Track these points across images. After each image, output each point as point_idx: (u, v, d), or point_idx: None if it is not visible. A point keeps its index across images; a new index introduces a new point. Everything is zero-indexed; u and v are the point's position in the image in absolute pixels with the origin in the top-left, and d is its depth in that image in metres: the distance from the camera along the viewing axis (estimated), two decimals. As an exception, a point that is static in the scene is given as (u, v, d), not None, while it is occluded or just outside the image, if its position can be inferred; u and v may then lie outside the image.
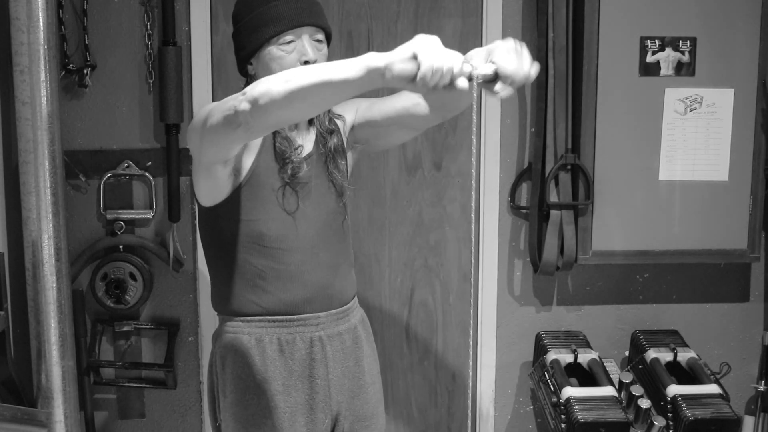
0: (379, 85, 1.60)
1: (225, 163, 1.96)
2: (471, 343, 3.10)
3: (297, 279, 2.04)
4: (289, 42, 1.97)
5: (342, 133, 2.15)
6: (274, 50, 1.97)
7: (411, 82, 1.55)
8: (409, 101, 2.09)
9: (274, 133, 2.02)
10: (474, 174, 1.51)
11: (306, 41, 1.98)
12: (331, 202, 2.10)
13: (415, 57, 1.54)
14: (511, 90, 1.63)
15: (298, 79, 1.67)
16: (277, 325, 2.04)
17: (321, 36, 2.02)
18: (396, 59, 1.56)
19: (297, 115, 1.80)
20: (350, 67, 1.61)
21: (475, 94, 1.63)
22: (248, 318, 2.05)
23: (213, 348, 2.13)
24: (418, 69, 1.54)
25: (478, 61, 1.62)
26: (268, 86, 1.70)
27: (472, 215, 1.51)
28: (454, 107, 2.07)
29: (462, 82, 1.56)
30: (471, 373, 3.09)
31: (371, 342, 2.22)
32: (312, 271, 2.05)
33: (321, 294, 2.07)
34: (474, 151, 1.54)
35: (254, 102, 1.72)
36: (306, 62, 1.95)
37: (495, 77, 1.63)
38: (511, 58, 1.62)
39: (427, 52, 1.54)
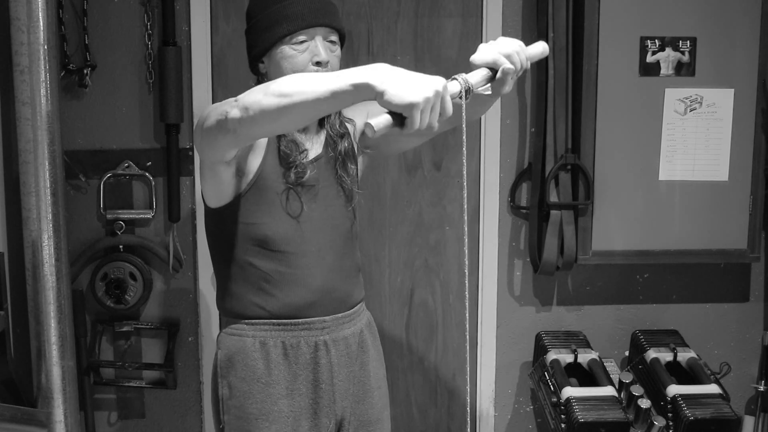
0: (371, 98, 1.56)
1: (228, 164, 1.94)
2: (469, 340, 3.10)
3: (302, 282, 2.02)
4: (302, 42, 1.95)
5: (352, 137, 2.13)
6: (286, 49, 1.95)
7: (398, 127, 1.52)
8: None
9: (280, 136, 2.01)
10: (464, 173, 1.50)
11: (319, 42, 1.96)
12: (339, 206, 2.08)
13: (400, 114, 1.49)
14: (514, 69, 1.65)
15: (291, 97, 1.63)
16: (281, 328, 2.03)
17: (335, 37, 2.00)
18: (390, 99, 1.50)
19: (287, 127, 1.78)
20: (340, 86, 1.57)
21: (464, 107, 1.61)
22: (253, 321, 2.04)
23: (217, 350, 2.11)
24: (404, 120, 1.50)
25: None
26: (258, 98, 1.69)
27: (465, 216, 1.51)
28: (468, 116, 2.04)
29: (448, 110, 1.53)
30: (470, 372, 3.09)
31: (377, 346, 2.20)
32: (317, 275, 2.04)
33: (326, 298, 2.05)
34: (464, 150, 1.52)
35: (244, 111, 1.71)
36: (318, 63, 1.94)
37: (491, 75, 1.64)
38: (486, 49, 1.66)
39: (396, 89, 1.49)
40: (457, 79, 1.58)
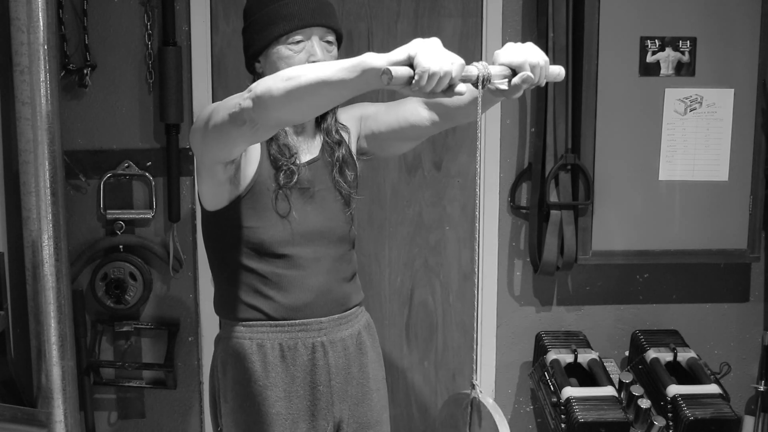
0: (377, 86, 1.57)
1: (226, 166, 1.94)
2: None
3: (298, 284, 2.02)
4: (299, 42, 1.95)
5: (348, 143, 2.13)
6: (282, 49, 1.95)
7: (407, 85, 1.52)
8: (412, 112, 2.07)
9: (270, 140, 2.00)
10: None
11: (315, 42, 1.95)
12: (336, 210, 2.08)
13: (410, 60, 1.51)
14: (532, 78, 1.62)
15: (297, 79, 1.64)
16: (278, 330, 2.02)
17: (331, 37, 1.99)
18: (392, 62, 1.52)
19: (298, 113, 1.76)
20: (348, 68, 1.58)
21: (480, 96, 1.61)
22: (250, 323, 2.03)
23: (215, 352, 2.11)
24: (414, 73, 1.50)
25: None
26: (269, 84, 1.69)
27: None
28: (462, 117, 2.04)
29: (461, 88, 1.52)
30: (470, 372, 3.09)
31: (377, 348, 2.20)
32: (313, 276, 2.03)
33: (323, 299, 2.05)
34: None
35: (257, 100, 1.70)
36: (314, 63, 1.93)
37: (510, 75, 1.62)
38: (516, 50, 1.63)
39: (424, 56, 1.50)
40: (476, 65, 1.56)
